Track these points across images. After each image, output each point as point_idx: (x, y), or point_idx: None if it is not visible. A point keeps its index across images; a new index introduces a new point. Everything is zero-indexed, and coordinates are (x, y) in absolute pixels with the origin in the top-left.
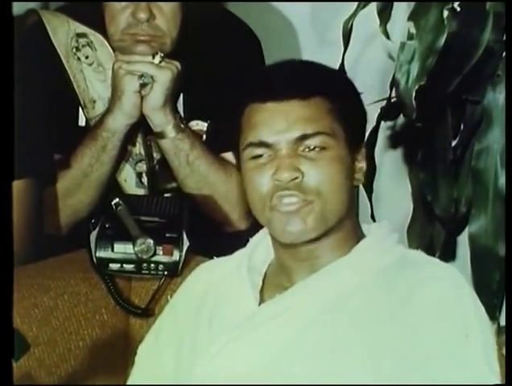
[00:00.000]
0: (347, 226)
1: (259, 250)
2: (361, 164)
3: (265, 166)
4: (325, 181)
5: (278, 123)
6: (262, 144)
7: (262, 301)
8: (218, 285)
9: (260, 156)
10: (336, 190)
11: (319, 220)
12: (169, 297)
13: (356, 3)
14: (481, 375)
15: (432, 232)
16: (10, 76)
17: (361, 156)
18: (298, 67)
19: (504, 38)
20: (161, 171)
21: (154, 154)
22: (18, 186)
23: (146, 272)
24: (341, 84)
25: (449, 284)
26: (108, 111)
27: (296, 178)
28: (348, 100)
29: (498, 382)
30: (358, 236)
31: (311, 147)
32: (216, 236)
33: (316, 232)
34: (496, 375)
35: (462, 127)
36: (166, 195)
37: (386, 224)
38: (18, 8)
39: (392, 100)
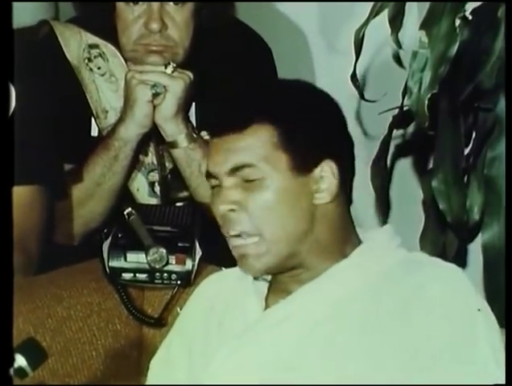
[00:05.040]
0: (324, 237)
1: None
2: (324, 184)
3: (214, 195)
4: (264, 213)
5: (217, 156)
6: (209, 175)
7: (267, 307)
8: (225, 296)
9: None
10: (279, 220)
11: (268, 257)
12: (179, 309)
13: (367, 12)
14: (489, 372)
15: (445, 241)
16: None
17: (326, 173)
18: (237, 97)
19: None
20: (173, 181)
21: (167, 164)
22: (28, 193)
23: (159, 281)
24: (286, 106)
25: (452, 283)
26: (120, 120)
27: (232, 209)
28: (294, 122)
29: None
30: (354, 241)
31: (250, 178)
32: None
33: (275, 264)
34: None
35: (474, 135)
36: (178, 204)
37: (387, 228)
38: (30, 19)
39: (404, 109)
